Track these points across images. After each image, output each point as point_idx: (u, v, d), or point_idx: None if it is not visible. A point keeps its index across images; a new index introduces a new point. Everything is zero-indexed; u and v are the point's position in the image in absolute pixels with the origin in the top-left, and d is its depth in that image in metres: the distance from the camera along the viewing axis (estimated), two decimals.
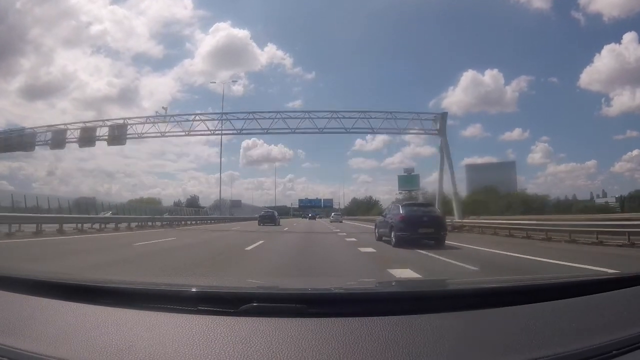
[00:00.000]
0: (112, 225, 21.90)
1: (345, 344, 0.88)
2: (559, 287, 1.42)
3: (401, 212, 12.46)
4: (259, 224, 31.14)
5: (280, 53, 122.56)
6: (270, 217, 33.61)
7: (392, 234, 12.09)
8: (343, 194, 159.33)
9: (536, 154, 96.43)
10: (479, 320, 1.05)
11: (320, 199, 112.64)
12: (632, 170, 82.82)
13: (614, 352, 0.90)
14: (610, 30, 76.94)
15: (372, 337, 0.91)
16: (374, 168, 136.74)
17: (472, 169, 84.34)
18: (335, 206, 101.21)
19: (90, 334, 0.96)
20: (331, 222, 41.63)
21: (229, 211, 67.40)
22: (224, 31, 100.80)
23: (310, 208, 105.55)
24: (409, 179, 67.04)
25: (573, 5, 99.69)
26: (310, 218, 74.28)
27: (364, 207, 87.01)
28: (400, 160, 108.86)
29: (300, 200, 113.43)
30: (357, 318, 1.00)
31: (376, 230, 14.77)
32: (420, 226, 11.81)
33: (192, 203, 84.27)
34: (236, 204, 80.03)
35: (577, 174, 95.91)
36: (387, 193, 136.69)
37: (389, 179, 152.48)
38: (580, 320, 1.07)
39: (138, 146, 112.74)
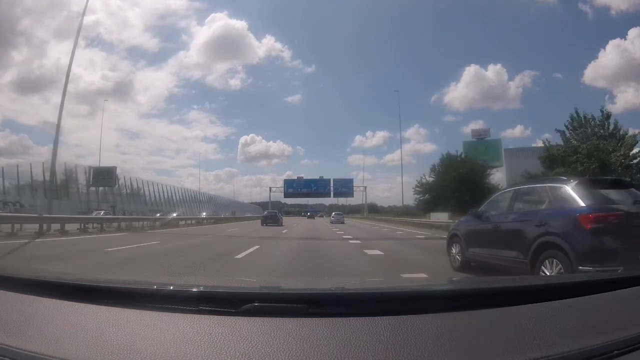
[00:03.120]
0: None
1: (346, 344, 0.88)
2: (560, 287, 1.41)
3: (585, 204, 4.60)
4: (262, 224, 31.70)
5: (278, 45, 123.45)
6: (273, 217, 34.00)
7: (554, 262, 4.53)
8: (363, 180, 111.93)
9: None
10: (480, 320, 1.06)
11: (328, 180, 64.29)
12: None
13: (615, 352, 0.90)
14: (617, 25, 74.73)
15: (374, 336, 0.91)
16: (374, 165, 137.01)
17: (510, 153, 70.05)
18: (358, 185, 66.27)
19: (92, 334, 0.96)
20: (332, 222, 39.70)
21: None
22: (221, 22, 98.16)
23: (308, 197, 71.45)
24: (481, 147, 42.88)
25: None
26: (309, 217, 62.16)
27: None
28: (400, 158, 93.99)
29: (288, 183, 66.08)
30: (358, 318, 1.00)
31: (454, 248, 7.08)
32: None
33: None
34: (101, 176, 38.48)
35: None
36: (386, 191, 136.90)
37: (389, 176, 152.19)
38: (581, 321, 1.07)
39: (136, 142, 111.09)
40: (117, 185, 41.05)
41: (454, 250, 7.14)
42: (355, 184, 65.87)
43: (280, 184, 69.06)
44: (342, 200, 78.90)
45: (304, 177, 66.90)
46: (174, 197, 51.43)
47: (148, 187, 46.83)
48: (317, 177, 66.51)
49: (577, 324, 1.04)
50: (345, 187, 64.16)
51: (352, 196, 66.92)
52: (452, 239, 7.33)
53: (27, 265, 6.49)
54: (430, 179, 46.99)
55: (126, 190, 43.56)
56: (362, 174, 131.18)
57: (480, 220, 6.53)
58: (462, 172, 41.71)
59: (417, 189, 48.32)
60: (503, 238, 5.64)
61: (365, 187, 67.38)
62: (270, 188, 70.48)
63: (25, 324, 1.03)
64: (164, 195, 49.10)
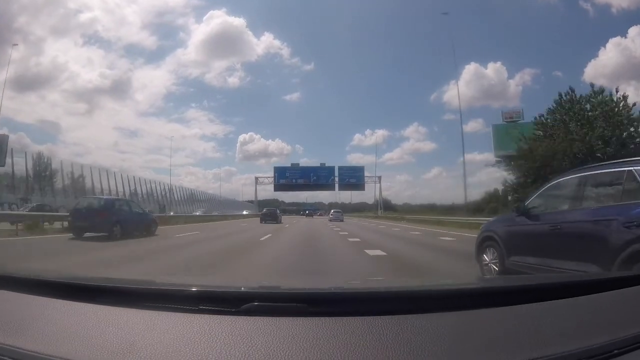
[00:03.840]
0: None
1: (346, 343, 0.88)
2: (560, 286, 1.41)
3: None
4: (261, 222, 31.97)
5: (277, 42, 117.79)
6: (272, 214, 34.17)
7: None
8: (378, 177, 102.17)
9: None
10: (480, 320, 1.06)
11: (332, 168, 49.18)
12: None
13: (615, 351, 0.91)
14: (617, 23, 72.18)
15: (374, 336, 0.92)
16: (373, 164, 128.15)
17: None
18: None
19: (92, 333, 0.96)
20: (330, 220, 39.42)
21: None
22: (219, 19, 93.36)
23: (306, 190, 58.50)
24: (514, 132, 30.40)
25: None
26: (307, 215, 56.14)
27: None
28: (399, 156, 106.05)
29: (279, 172, 49.67)
30: (358, 317, 1.00)
31: (488, 255, 5.59)
32: None
33: None
34: None
35: None
36: (385, 190, 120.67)
37: (388, 175, 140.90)
38: (581, 320, 1.07)
39: (134, 141, 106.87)
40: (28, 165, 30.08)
41: (487, 258, 5.63)
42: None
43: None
44: (345, 196, 69.56)
45: (301, 165, 51.42)
46: (141, 192, 42.09)
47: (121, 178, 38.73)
48: (317, 164, 52.10)
49: (577, 324, 1.04)
50: (353, 177, 49.41)
51: (363, 189, 53.55)
52: (485, 242, 5.81)
53: (27, 265, 6.61)
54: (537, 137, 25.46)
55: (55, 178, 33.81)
56: (372, 168, 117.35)
57: (528, 219, 4.89)
58: (619, 121, 22.27)
59: (518, 161, 25.25)
60: (568, 244, 4.14)
61: (380, 177, 51.93)
62: (256, 178, 53.90)
63: (25, 324, 1.03)
64: (127, 189, 39.73)
